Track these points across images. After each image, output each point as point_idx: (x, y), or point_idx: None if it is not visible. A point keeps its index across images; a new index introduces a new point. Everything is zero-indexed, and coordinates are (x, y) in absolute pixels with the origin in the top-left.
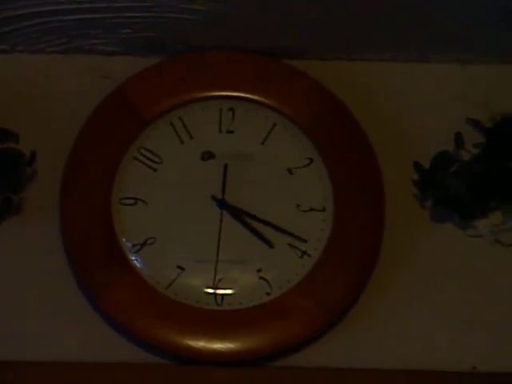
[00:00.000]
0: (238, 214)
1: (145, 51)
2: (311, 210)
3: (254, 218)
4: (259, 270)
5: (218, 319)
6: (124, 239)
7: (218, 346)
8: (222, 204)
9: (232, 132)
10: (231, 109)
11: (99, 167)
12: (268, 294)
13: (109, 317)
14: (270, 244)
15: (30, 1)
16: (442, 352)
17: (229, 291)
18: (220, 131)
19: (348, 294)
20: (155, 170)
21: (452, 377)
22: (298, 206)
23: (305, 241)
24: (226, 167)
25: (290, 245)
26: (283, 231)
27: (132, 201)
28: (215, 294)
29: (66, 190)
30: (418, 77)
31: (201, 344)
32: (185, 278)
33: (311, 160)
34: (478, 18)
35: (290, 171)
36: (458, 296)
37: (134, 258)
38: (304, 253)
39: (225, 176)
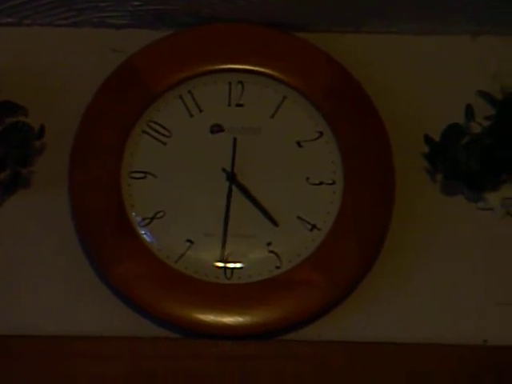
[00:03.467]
0: (246, 192)
1: (154, 24)
2: (321, 183)
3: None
4: (269, 244)
5: (227, 293)
6: (133, 213)
7: (228, 319)
8: (232, 178)
9: (241, 105)
10: (240, 82)
11: (108, 141)
12: (278, 267)
13: (118, 291)
14: (275, 223)
15: None
16: (453, 325)
17: (238, 265)
18: (229, 104)
19: (358, 267)
20: (164, 143)
21: (463, 350)
22: (307, 179)
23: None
24: (235, 140)
25: (299, 218)
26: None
27: (141, 174)
28: (225, 267)
29: (75, 163)
30: (428, 49)
31: (210, 318)
32: (194, 251)
33: (321, 133)
34: None
35: (299, 144)
36: (468, 269)
37: (143, 231)
38: (314, 226)
39: (234, 149)
